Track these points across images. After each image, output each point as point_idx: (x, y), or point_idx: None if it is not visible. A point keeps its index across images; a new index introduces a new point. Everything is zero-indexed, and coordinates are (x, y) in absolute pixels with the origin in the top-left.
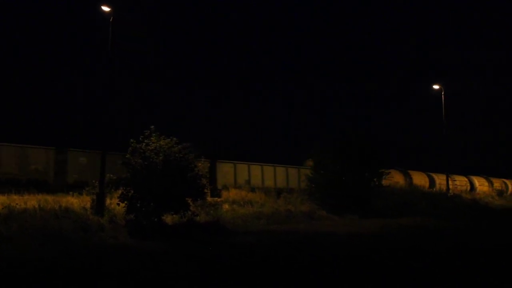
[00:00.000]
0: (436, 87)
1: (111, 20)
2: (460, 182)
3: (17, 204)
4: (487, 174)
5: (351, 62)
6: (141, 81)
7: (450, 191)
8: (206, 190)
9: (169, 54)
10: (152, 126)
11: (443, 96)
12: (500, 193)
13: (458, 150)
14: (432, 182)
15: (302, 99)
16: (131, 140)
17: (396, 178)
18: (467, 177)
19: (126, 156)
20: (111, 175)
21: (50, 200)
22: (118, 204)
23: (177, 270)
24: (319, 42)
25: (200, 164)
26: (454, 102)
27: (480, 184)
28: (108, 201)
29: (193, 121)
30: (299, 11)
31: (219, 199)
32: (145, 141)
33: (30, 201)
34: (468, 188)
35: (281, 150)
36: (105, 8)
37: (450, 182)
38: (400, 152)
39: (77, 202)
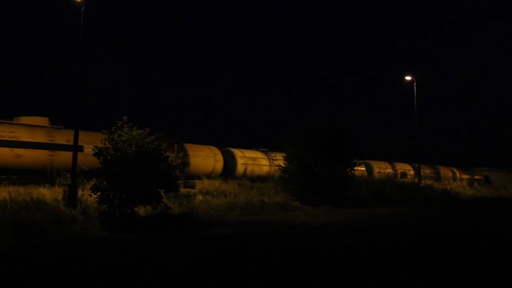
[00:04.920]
0: (408, 78)
1: (82, 9)
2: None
3: None
4: (473, 165)
5: (351, 62)
6: (141, 80)
7: (422, 182)
8: (179, 181)
9: (169, 54)
10: (125, 117)
11: (415, 87)
12: (471, 183)
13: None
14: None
15: (301, 95)
16: (104, 130)
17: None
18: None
19: (98, 147)
20: (83, 166)
21: (21, 192)
22: (91, 196)
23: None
24: (319, 41)
25: (173, 155)
26: (454, 99)
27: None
28: (80, 192)
29: (192, 119)
30: (299, 11)
31: (192, 190)
32: (118, 131)
33: (1, 192)
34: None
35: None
36: None
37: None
38: (395, 145)
39: (49, 193)
